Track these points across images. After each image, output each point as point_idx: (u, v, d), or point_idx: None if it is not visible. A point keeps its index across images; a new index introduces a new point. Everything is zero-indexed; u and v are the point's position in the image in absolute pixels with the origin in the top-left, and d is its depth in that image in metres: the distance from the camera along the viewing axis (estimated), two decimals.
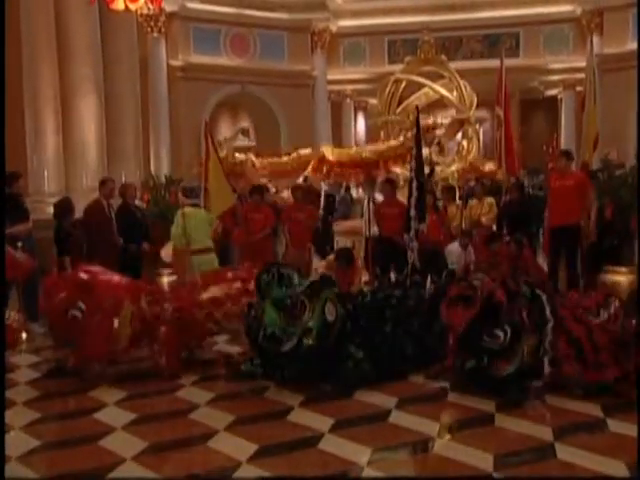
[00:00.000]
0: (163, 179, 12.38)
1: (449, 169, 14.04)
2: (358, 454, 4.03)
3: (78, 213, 8.34)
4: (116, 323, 5.43)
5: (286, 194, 12.13)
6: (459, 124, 15.21)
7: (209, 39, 19.52)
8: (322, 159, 11.46)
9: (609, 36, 19.03)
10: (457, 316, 5.02)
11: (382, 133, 15.46)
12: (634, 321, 5.09)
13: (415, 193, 7.36)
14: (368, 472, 3.82)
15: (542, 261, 8.62)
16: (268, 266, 5.56)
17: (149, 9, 15.88)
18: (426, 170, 12.08)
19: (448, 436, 4.43)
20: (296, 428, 4.48)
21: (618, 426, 4.40)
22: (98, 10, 12.23)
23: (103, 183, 8.64)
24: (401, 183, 10.70)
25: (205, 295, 5.84)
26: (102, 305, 5.41)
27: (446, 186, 10.80)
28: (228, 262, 9.30)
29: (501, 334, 4.77)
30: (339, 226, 11.29)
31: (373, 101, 19.11)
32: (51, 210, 10.36)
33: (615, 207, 8.42)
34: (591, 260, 8.08)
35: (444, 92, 15.18)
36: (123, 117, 13.50)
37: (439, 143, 14.71)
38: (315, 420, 4.58)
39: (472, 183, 12.63)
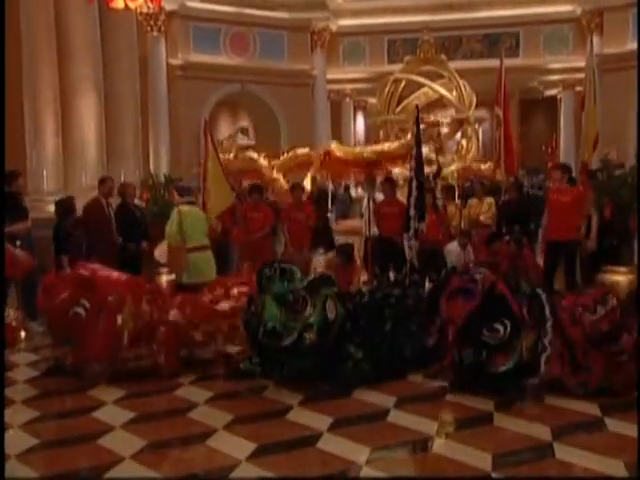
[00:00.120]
0: (162, 178, 12.37)
1: (448, 168, 14.03)
2: (357, 453, 4.03)
3: (77, 212, 8.34)
4: (119, 319, 5.44)
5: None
6: (458, 124, 15.19)
7: (209, 38, 19.50)
8: (328, 154, 11.51)
9: (609, 36, 19.02)
10: (457, 309, 5.02)
11: (381, 132, 15.45)
12: (634, 321, 5.11)
13: (415, 192, 7.36)
14: (367, 471, 3.83)
15: (541, 261, 8.62)
16: (270, 262, 5.58)
17: (149, 8, 15.89)
18: (433, 170, 12.15)
19: (447, 435, 4.43)
20: (295, 427, 4.48)
21: (617, 426, 4.41)
22: (98, 9, 12.23)
23: (102, 182, 8.65)
24: (401, 182, 10.69)
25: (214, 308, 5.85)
26: (105, 301, 5.42)
27: (445, 185, 10.79)
28: (228, 261, 9.31)
29: (501, 328, 4.77)
30: (339, 225, 11.29)
31: (372, 100, 19.09)
32: (50, 209, 10.36)
33: (614, 207, 8.41)
34: (590, 265, 8.10)
35: (443, 92, 15.16)
36: (122, 116, 13.49)
37: (438, 136, 14.69)
38: (314, 419, 4.58)
39: (468, 183, 12.64)
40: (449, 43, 20.56)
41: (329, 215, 11.28)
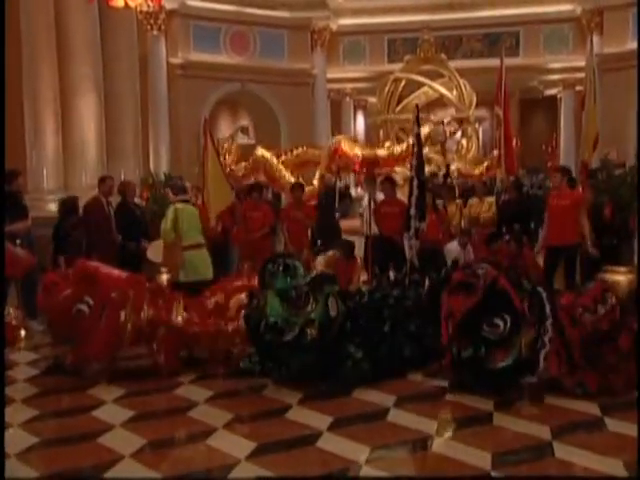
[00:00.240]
0: (162, 177, 12.38)
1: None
2: (357, 452, 4.03)
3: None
4: (122, 316, 5.45)
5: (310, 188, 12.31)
6: (458, 123, 15.22)
7: (209, 37, 19.48)
8: (337, 149, 11.54)
9: (609, 35, 19.00)
10: (457, 303, 5.01)
11: (381, 131, 15.48)
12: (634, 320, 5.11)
13: (416, 192, 7.35)
14: (367, 470, 3.83)
15: (541, 261, 8.62)
16: (274, 256, 5.59)
17: (149, 7, 15.85)
18: (443, 170, 12.18)
19: (446, 434, 4.44)
20: (295, 426, 4.48)
21: (616, 425, 4.41)
22: (98, 8, 12.22)
23: (102, 181, 8.65)
24: (400, 182, 10.70)
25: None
26: (109, 298, 5.43)
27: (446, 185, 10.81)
28: (227, 261, 9.30)
29: (501, 323, 4.77)
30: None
31: (373, 100, 19.12)
32: (50, 208, 10.39)
33: (614, 206, 8.42)
34: (590, 265, 8.10)
35: (444, 91, 15.19)
36: (122, 115, 13.48)
37: (444, 142, 14.70)
38: (314, 418, 4.59)
39: (469, 182, 12.65)
40: (449, 42, 20.56)
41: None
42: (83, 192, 9.87)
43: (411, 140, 10.09)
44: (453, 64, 16.07)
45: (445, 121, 15.15)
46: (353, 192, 17.17)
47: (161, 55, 18.66)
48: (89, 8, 11.99)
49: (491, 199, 9.45)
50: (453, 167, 13.74)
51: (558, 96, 21.92)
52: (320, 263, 8.12)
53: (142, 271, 8.09)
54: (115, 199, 8.80)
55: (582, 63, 17.06)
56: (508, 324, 4.77)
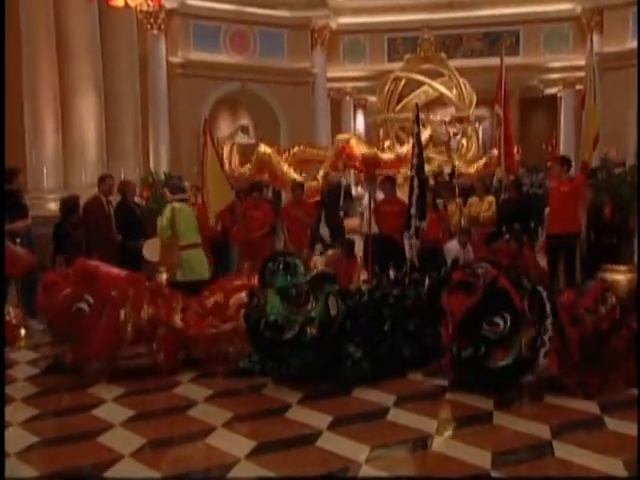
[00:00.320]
0: (162, 176, 12.38)
1: (449, 167, 14.04)
2: (357, 451, 4.03)
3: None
4: (122, 314, 5.45)
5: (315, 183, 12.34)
6: (458, 122, 15.20)
7: (209, 36, 19.47)
8: (345, 148, 11.53)
9: (609, 34, 18.99)
10: (457, 302, 5.01)
11: (381, 131, 15.46)
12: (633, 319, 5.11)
13: (416, 191, 7.35)
14: (366, 469, 3.83)
15: (542, 262, 8.62)
16: (274, 255, 5.59)
17: (149, 6, 15.84)
18: (448, 170, 12.17)
19: (446, 434, 4.44)
20: (294, 425, 4.48)
21: (616, 424, 4.41)
22: (98, 7, 12.23)
23: (102, 180, 8.66)
24: (400, 181, 10.70)
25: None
26: (109, 296, 5.43)
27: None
28: (227, 260, 9.30)
29: (501, 322, 4.77)
30: None
31: (373, 99, 19.09)
32: (50, 206, 10.40)
33: (614, 205, 8.41)
34: (590, 261, 8.11)
35: (444, 90, 15.17)
36: (122, 114, 13.48)
37: (447, 142, 14.69)
38: (313, 417, 4.59)
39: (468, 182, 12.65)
40: (449, 41, 20.55)
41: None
42: (83, 191, 9.87)
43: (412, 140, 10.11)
44: (453, 63, 16.05)
45: (447, 120, 15.14)
46: (353, 191, 17.15)
47: (161, 54, 18.66)
48: (89, 7, 11.99)
49: (491, 198, 9.45)
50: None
51: (558, 95, 21.91)
52: (320, 262, 8.13)
53: (142, 270, 8.09)
54: (115, 198, 8.80)
55: (582, 62, 17.10)
56: (508, 323, 4.77)
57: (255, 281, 5.68)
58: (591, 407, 4.69)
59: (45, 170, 11.36)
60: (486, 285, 4.92)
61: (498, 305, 4.84)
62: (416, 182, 7.37)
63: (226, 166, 12.24)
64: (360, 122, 23.62)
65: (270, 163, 12.59)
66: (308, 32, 20.91)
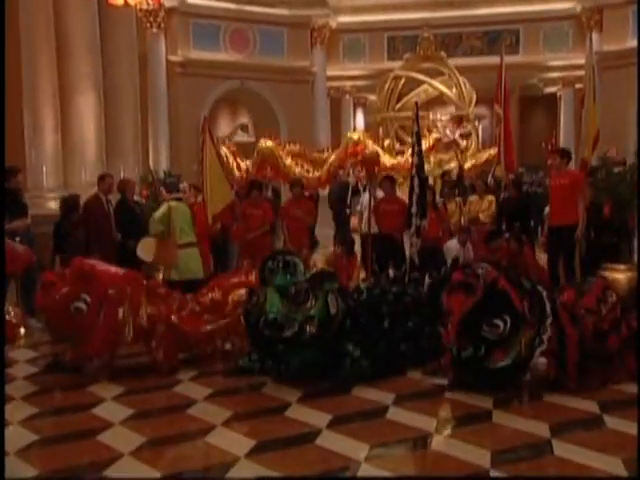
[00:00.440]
0: (162, 174, 12.39)
1: (449, 166, 14.03)
2: (356, 450, 4.03)
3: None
4: (120, 313, 5.45)
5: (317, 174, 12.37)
6: (458, 121, 15.20)
7: (209, 35, 19.48)
8: (356, 144, 11.50)
9: (609, 33, 19.00)
10: (457, 302, 5.01)
11: (381, 129, 15.46)
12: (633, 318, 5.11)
13: (417, 189, 7.35)
14: (366, 468, 3.83)
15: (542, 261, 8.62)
16: (274, 253, 5.60)
17: (148, 4, 15.79)
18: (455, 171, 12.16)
19: (446, 432, 4.44)
20: (294, 424, 4.48)
21: (615, 423, 4.41)
22: (97, 6, 12.22)
23: (102, 178, 8.65)
24: (400, 180, 10.68)
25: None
26: (106, 295, 5.43)
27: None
28: (227, 259, 9.30)
29: (501, 324, 4.77)
30: None
31: (372, 97, 19.10)
32: (50, 205, 10.40)
33: (614, 204, 8.42)
34: (589, 260, 8.11)
35: (443, 89, 15.16)
36: (122, 113, 13.48)
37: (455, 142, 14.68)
38: (313, 416, 4.59)
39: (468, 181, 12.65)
40: (449, 40, 20.57)
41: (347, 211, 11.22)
42: (83, 190, 9.88)
43: (423, 142, 10.11)
44: (453, 62, 16.04)
45: (449, 120, 15.17)
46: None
47: (161, 53, 18.67)
48: (88, 5, 12.00)
49: (491, 197, 9.45)
50: (453, 165, 13.72)
51: (558, 94, 21.92)
52: (320, 260, 8.14)
53: (141, 269, 8.09)
54: (115, 197, 8.80)
55: (582, 61, 17.09)
56: (508, 325, 4.77)
57: (253, 278, 5.68)
58: (590, 406, 4.70)
59: (45, 169, 11.35)
60: (486, 286, 4.92)
61: (498, 306, 4.84)
62: (416, 181, 7.37)
63: (232, 164, 12.25)
64: (360, 121, 23.61)
65: (272, 157, 12.56)
66: (308, 31, 20.93)
